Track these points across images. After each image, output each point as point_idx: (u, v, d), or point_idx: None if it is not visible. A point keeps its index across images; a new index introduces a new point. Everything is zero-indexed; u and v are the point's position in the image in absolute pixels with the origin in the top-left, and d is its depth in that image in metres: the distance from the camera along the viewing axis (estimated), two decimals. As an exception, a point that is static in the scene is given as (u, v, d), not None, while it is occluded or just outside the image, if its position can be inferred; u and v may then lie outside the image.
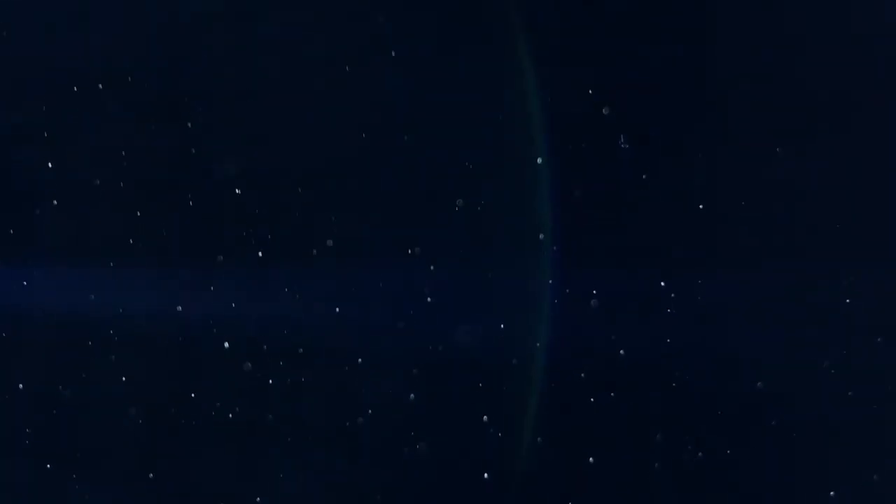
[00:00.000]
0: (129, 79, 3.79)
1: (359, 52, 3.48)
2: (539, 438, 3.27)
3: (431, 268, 3.37)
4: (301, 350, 3.56)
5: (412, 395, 3.41)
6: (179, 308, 3.71)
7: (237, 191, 3.65)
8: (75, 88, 3.84)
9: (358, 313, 3.46)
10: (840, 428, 3.01)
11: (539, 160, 3.25)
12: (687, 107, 3.13)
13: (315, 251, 3.52)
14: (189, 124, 3.71)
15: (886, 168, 2.96)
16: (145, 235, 3.78)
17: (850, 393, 3.00)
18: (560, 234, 3.25)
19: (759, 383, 3.06)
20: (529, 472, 3.28)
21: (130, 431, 3.84)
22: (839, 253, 3.00)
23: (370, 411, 3.47)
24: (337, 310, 3.49)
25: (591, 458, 3.21)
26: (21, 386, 3.98)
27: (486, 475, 3.32)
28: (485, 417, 3.32)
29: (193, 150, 3.72)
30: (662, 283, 3.12)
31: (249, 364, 3.63)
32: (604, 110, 3.19)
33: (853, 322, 2.99)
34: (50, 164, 3.92)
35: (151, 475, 3.80)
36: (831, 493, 3.01)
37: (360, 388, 3.48)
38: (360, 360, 3.47)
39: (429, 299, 3.37)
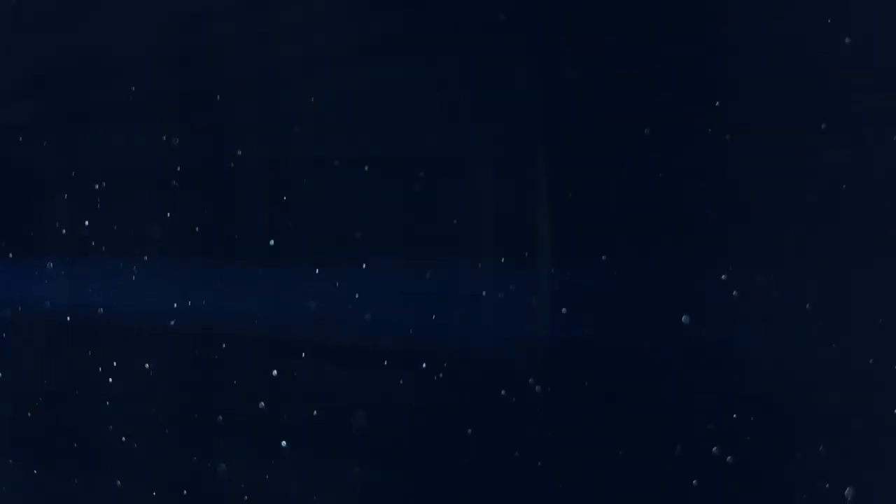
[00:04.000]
0: (132, 76, 3.80)
1: (360, 51, 3.48)
2: (539, 438, 3.26)
3: (432, 267, 3.37)
4: (300, 349, 3.56)
5: (412, 395, 3.42)
6: (181, 306, 3.72)
7: (240, 189, 3.66)
8: (76, 86, 3.86)
9: (359, 312, 3.47)
10: (842, 428, 2.99)
11: (539, 158, 3.26)
12: (690, 105, 3.12)
13: (315, 250, 3.53)
14: (191, 122, 3.72)
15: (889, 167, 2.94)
16: (147, 234, 3.79)
17: (853, 393, 2.98)
18: (562, 234, 3.24)
19: (764, 383, 3.05)
20: (529, 472, 3.28)
21: (133, 431, 3.85)
22: (844, 252, 2.98)
23: (370, 410, 3.47)
24: (338, 309, 3.50)
25: (591, 458, 3.21)
26: (22, 385, 4.00)
27: (485, 475, 3.32)
28: (484, 417, 3.32)
29: (196, 149, 3.73)
30: (664, 282, 3.11)
31: (251, 364, 3.64)
32: (607, 108, 3.19)
33: (857, 321, 2.97)
34: (52, 163, 3.93)
35: (156, 475, 3.81)
36: (833, 492, 3.00)
37: (360, 387, 3.49)
38: (360, 359, 3.48)
39: (429, 298, 3.37)
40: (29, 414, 4.11)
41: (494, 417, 3.31)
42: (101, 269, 3.90)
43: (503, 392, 3.29)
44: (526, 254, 3.27)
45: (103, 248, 3.91)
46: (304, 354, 3.56)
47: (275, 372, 3.60)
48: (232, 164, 3.65)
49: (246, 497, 3.67)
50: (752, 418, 3.04)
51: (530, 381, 3.26)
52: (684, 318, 3.07)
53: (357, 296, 3.46)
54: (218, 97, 3.67)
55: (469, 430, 3.33)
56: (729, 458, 3.06)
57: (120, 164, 3.87)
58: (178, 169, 3.74)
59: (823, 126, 2.96)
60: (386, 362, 3.43)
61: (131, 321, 3.83)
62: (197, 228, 3.72)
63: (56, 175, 4.03)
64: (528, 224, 3.27)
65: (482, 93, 3.33)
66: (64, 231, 3.99)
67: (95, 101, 3.93)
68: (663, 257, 3.12)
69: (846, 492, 2.94)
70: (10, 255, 4.08)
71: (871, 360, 2.93)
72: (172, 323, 3.75)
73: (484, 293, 3.32)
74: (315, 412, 3.55)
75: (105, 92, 3.89)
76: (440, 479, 3.39)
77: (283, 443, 3.57)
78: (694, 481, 3.09)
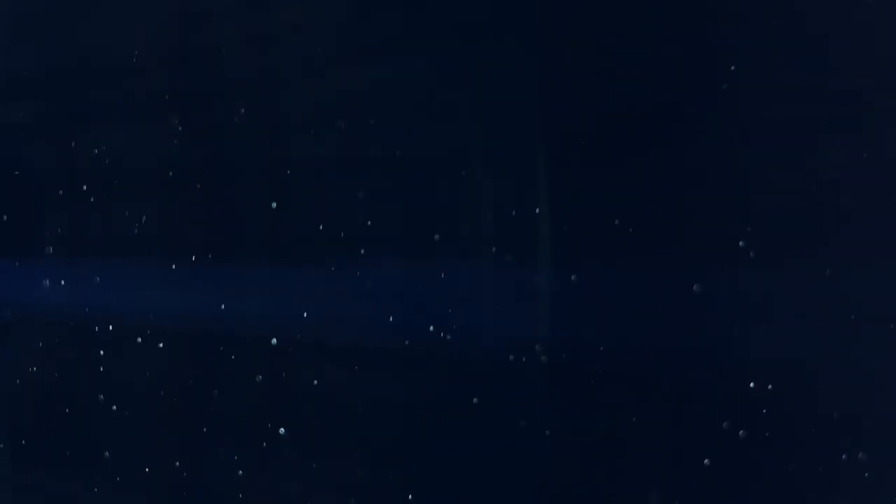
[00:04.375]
0: (133, 75, 3.80)
1: (360, 51, 3.48)
2: (539, 439, 3.26)
3: (432, 267, 3.37)
4: (301, 350, 3.56)
5: (413, 396, 3.41)
6: (181, 306, 3.72)
7: (239, 189, 3.66)
8: (77, 86, 3.85)
9: (357, 312, 3.46)
10: (841, 429, 2.99)
11: (539, 158, 3.25)
12: (691, 104, 3.12)
13: (315, 250, 3.53)
14: (190, 123, 3.71)
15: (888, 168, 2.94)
16: (145, 233, 3.79)
17: (852, 393, 2.98)
18: (562, 234, 3.24)
19: (763, 384, 3.04)
20: (529, 472, 3.28)
21: (132, 431, 3.85)
22: (848, 252, 2.98)
23: (369, 411, 3.47)
24: (337, 308, 3.49)
25: (591, 459, 3.21)
26: (23, 385, 4.00)
27: (486, 476, 3.32)
28: (485, 417, 3.32)
29: (196, 149, 3.73)
30: (664, 283, 3.11)
31: (251, 364, 3.64)
32: (607, 108, 3.19)
33: (856, 321, 2.97)
34: (53, 162, 3.93)
35: (155, 475, 3.81)
36: (831, 493, 3.00)
37: (359, 387, 3.48)
38: (359, 359, 3.48)
39: (429, 298, 3.36)
40: (27, 414, 4.10)
41: (495, 418, 3.31)
42: (100, 269, 3.90)
43: (504, 392, 3.29)
44: (526, 254, 3.27)
45: (102, 249, 3.90)
46: (303, 354, 3.56)
47: (274, 372, 3.60)
48: (232, 165, 3.65)
49: (247, 497, 3.67)
50: (754, 419, 3.04)
51: (531, 381, 3.26)
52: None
53: (357, 296, 3.46)
54: (217, 97, 3.67)
55: (470, 431, 3.33)
56: (730, 456, 3.07)
57: (119, 165, 3.86)
58: (178, 169, 3.74)
59: (826, 125, 2.96)
60: (386, 362, 3.43)
61: (131, 321, 3.83)
62: (196, 228, 3.72)
63: (55, 175, 4.02)
64: (529, 224, 3.26)
65: (482, 93, 3.33)
66: (62, 231, 3.98)
67: (93, 101, 3.92)
68: (664, 257, 3.12)
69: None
70: (9, 256, 4.07)
71: (874, 361, 2.93)
72: (172, 323, 3.75)
73: (484, 293, 3.32)
74: (314, 412, 3.55)
75: (103, 92, 3.88)
76: (441, 479, 3.38)
77: (282, 430, 3.57)
78: (696, 482, 3.09)
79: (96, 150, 3.91)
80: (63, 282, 3.96)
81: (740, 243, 3.03)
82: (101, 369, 3.91)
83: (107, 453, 3.91)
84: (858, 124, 2.93)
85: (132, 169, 3.84)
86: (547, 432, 3.25)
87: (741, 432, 3.05)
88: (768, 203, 3.01)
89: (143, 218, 3.81)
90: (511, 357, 3.28)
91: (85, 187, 3.92)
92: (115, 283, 3.86)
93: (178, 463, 3.77)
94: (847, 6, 2.93)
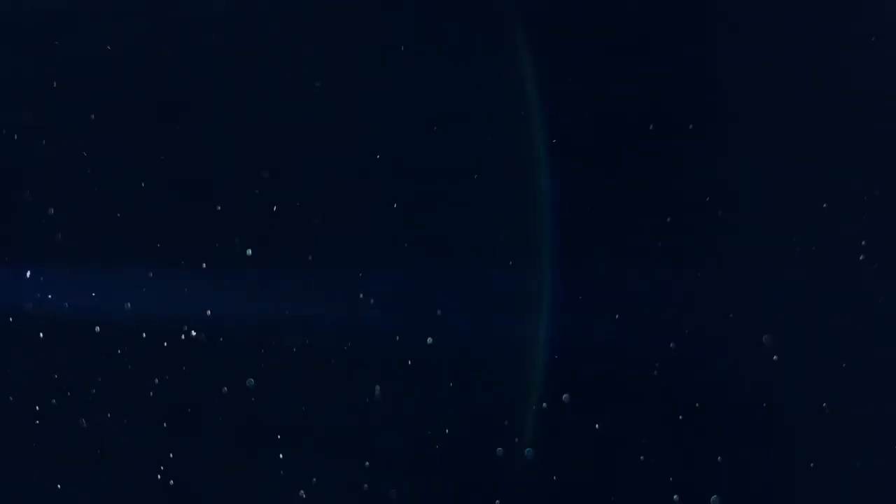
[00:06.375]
0: (130, 78, 3.80)
1: (358, 52, 3.48)
2: (539, 440, 3.27)
3: (431, 268, 3.37)
4: (302, 352, 3.56)
5: (412, 396, 3.42)
6: (181, 308, 3.72)
7: (237, 191, 3.66)
8: (75, 88, 3.85)
9: (357, 314, 3.47)
10: (840, 429, 3.00)
11: (540, 160, 3.26)
12: (690, 105, 3.13)
13: (314, 252, 3.53)
14: (190, 124, 3.71)
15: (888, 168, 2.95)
16: (143, 235, 3.79)
17: (851, 394, 2.99)
18: (562, 234, 3.25)
19: (761, 384, 3.05)
20: (530, 472, 3.28)
21: (130, 432, 3.85)
22: (847, 253, 2.99)
23: (369, 412, 3.47)
24: (337, 310, 3.49)
25: (590, 459, 3.21)
26: (20, 386, 3.99)
27: (486, 476, 3.32)
28: (486, 418, 3.32)
29: (194, 151, 3.73)
30: (665, 283, 3.12)
31: (250, 365, 3.64)
32: (606, 108, 3.20)
33: (855, 322, 2.98)
34: (50, 164, 3.93)
35: (152, 477, 3.81)
36: (830, 494, 3.01)
37: (359, 388, 3.48)
38: (358, 360, 3.48)
39: (429, 299, 3.37)
40: (22, 415, 4.10)
41: (497, 419, 3.31)
42: (95, 271, 3.90)
43: (507, 393, 3.30)
44: (527, 255, 3.28)
45: (97, 251, 3.90)
46: (303, 356, 3.57)
47: (274, 374, 3.60)
48: (232, 169, 3.65)
49: (244, 498, 3.67)
50: (753, 418, 3.05)
51: (533, 382, 3.27)
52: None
53: (358, 298, 3.46)
54: (217, 102, 3.67)
55: (471, 431, 3.34)
56: (729, 454, 3.08)
57: (118, 168, 3.86)
58: (178, 173, 3.74)
59: (823, 127, 2.97)
60: (388, 363, 3.43)
61: (128, 323, 3.82)
62: (192, 231, 3.72)
63: (50, 178, 4.02)
64: (529, 225, 3.27)
65: (481, 96, 3.34)
66: (57, 234, 3.98)
67: (90, 104, 3.91)
68: (664, 259, 3.13)
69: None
70: (5, 258, 4.07)
71: (874, 362, 2.94)
72: (169, 325, 3.75)
73: (485, 295, 3.33)
74: (315, 413, 3.55)
75: (102, 96, 3.88)
76: (443, 479, 3.39)
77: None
78: (696, 483, 3.10)
79: (85, 155, 3.90)
80: (54, 284, 3.96)
81: (741, 245, 3.05)
82: (95, 371, 3.91)
83: (102, 455, 3.91)
84: (862, 127, 2.95)
85: (130, 173, 3.84)
86: (546, 435, 3.25)
87: (741, 432, 3.06)
88: (768, 205, 3.03)
89: (140, 220, 3.81)
90: (510, 357, 3.29)
91: (77, 191, 3.92)
92: (108, 285, 3.86)
93: (174, 463, 3.77)
94: (847, 7, 2.95)
